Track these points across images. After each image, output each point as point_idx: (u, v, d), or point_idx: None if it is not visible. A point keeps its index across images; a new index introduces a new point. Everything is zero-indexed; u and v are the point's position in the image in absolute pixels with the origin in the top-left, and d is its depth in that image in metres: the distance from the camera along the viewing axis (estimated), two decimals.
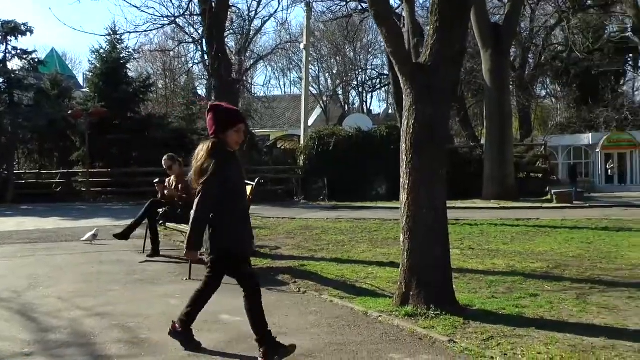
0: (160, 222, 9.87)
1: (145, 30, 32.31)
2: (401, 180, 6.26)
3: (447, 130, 6.81)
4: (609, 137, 44.64)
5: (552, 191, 21.96)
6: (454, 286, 6.78)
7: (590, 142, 45.87)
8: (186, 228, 8.97)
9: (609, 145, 45.12)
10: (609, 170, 46.28)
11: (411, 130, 6.20)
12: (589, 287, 7.19)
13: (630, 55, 46.36)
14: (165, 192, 10.11)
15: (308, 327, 5.55)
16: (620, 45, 36.05)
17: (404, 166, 6.23)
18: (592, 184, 44.61)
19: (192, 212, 4.49)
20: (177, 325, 4.82)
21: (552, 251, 10.07)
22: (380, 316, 5.84)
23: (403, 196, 6.23)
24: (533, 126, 42.91)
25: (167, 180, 10.33)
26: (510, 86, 39.10)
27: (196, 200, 4.46)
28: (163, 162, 10.28)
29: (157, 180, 10.38)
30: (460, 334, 5.27)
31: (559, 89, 48.74)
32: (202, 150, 4.56)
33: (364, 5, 24.19)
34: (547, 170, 26.48)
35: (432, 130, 6.15)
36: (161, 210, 9.86)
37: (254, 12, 34.66)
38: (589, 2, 38.47)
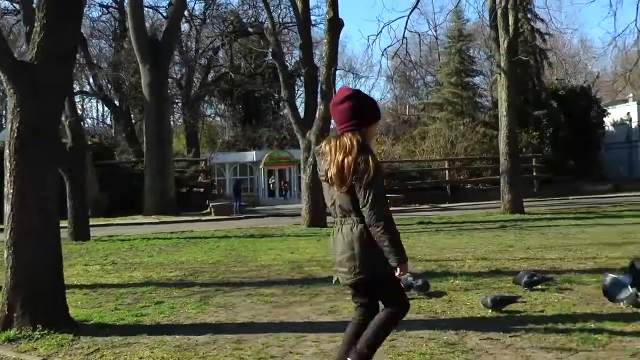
0: None
1: None
2: (5, 189, 5.65)
3: (57, 132, 6.40)
4: (271, 155, 48.32)
5: (211, 204, 22.78)
6: (79, 302, 6.43)
7: (255, 159, 49.05)
8: None
9: (271, 162, 48.83)
10: (271, 185, 50.10)
11: (15, 134, 5.64)
12: (215, 289, 7.42)
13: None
14: None
15: None
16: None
17: (8, 174, 5.63)
18: (256, 198, 47.61)
19: (375, 219, 3.45)
20: None
21: (194, 260, 10.27)
22: None
23: (7, 207, 5.62)
24: (200, 143, 44.23)
25: None
26: (179, 103, 39.71)
27: (371, 207, 3.44)
28: None
29: None
30: (65, 352, 4.91)
31: (225, 109, 51.12)
32: (347, 143, 3.53)
33: None
34: (207, 185, 27.40)
35: (39, 132, 5.68)
36: None
37: None
38: (250, 29, 41.14)
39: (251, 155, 48.65)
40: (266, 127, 48.88)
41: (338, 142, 3.59)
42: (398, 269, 3.55)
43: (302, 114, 16.60)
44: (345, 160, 3.50)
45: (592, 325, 5.17)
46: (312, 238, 13.13)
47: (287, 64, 43.13)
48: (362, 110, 3.66)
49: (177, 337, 5.20)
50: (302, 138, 15.78)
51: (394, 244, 3.49)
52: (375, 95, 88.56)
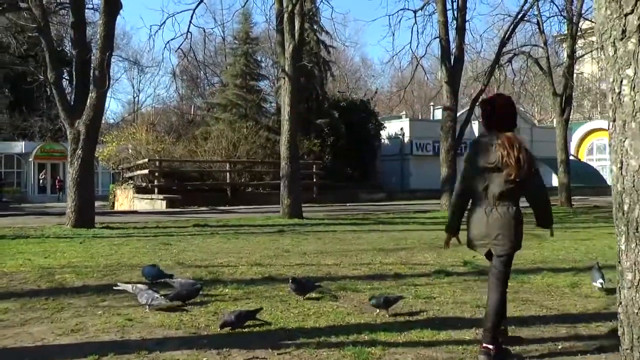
0: None
1: None
2: None
3: None
4: (42, 147, 44.19)
5: None
6: None
7: (23, 151, 44.50)
8: None
9: (42, 155, 44.66)
10: (42, 180, 45.76)
11: None
12: None
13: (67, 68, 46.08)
14: None
15: None
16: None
17: None
18: (23, 194, 43.24)
19: (544, 194, 4.59)
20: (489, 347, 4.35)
21: None
22: None
23: None
24: None
25: None
26: None
27: (543, 186, 4.59)
28: None
29: None
30: None
31: None
32: (520, 142, 4.43)
33: None
34: None
35: None
36: None
37: None
38: (21, 3, 37.00)
39: (19, 146, 44.12)
40: (39, 116, 44.59)
41: (513, 138, 4.41)
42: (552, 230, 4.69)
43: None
44: (527, 154, 4.37)
45: (365, 337, 4.85)
46: (74, 240, 11.69)
47: (66, 49, 39.60)
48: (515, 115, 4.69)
49: None
50: (69, 127, 14.10)
51: (551, 213, 4.65)
52: (161, 93, 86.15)
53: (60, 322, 5.27)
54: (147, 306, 5.57)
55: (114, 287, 6.19)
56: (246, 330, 5.00)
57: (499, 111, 4.54)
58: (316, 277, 7.48)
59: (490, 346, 4.32)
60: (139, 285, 5.94)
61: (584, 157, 45.23)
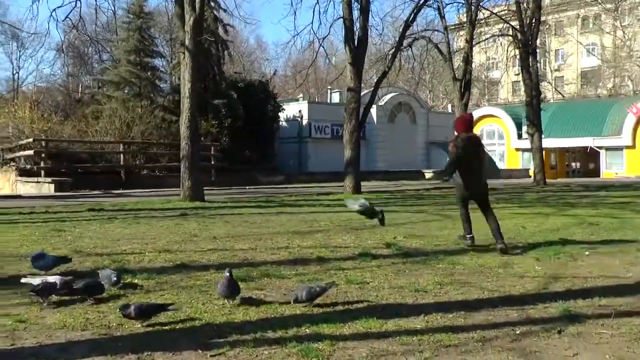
0: None
1: None
2: None
3: None
4: None
5: None
6: None
7: None
8: None
9: None
10: None
11: None
12: None
13: None
14: None
15: None
16: None
17: None
18: None
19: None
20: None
21: None
22: None
23: None
24: None
25: None
26: None
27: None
28: None
29: None
30: None
31: None
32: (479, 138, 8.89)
33: None
34: None
35: None
36: None
37: None
38: None
39: None
40: None
41: (475, 136, 8.60)
42: None
43: None
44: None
45: (307, 330, 4.27)
46: None
47: None
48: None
49: None
50: None
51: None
52: (44, 70, 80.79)
53: None
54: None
55: (21, 281, 5.13)
56: (168, 327, 4.25)
57: (464, 121, 8.62)
58: (233, 262, 6.80)
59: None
60: (48, 277, 4.98)
61: None
